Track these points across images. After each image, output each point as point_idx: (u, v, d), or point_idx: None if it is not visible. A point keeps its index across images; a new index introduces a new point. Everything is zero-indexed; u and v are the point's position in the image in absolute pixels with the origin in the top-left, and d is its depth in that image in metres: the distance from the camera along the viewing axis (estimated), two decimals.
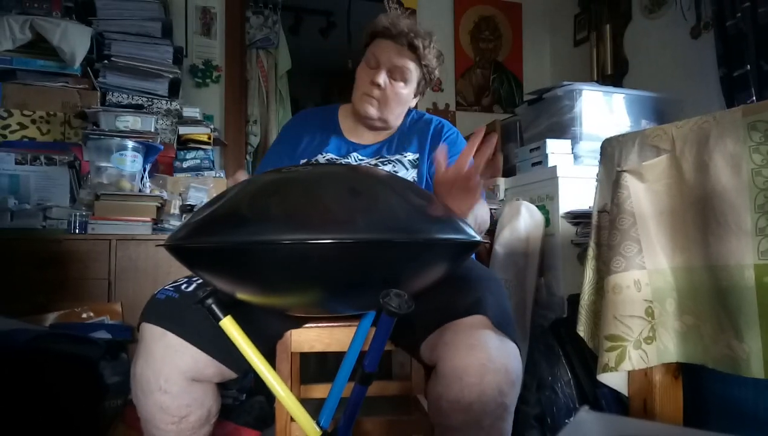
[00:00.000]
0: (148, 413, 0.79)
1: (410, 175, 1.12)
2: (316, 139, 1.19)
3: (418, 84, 1.17)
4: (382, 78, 1.11)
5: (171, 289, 0.84)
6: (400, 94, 1.14)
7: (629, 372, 1.00)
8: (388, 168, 1.13)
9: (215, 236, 0.62)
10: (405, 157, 1.14)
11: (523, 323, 1.64)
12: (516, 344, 0.79)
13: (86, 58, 1.95)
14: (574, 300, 1.22)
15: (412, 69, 1.13)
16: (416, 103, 1.23)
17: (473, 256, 1.03)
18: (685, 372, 0.98)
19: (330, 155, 1.16)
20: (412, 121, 1.22)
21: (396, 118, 1.18)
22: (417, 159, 1.15)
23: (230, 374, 0.83)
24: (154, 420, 0.79)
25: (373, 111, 1.13)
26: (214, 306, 0.68)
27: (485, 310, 0.78)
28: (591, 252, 1.01)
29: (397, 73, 1.12)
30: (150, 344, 0.78)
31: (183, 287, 0.84)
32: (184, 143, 2.15)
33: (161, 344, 0.78)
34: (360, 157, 1.16)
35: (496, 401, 0.72)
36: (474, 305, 0.79)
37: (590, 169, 1.53)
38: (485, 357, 0.73)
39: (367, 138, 1.19)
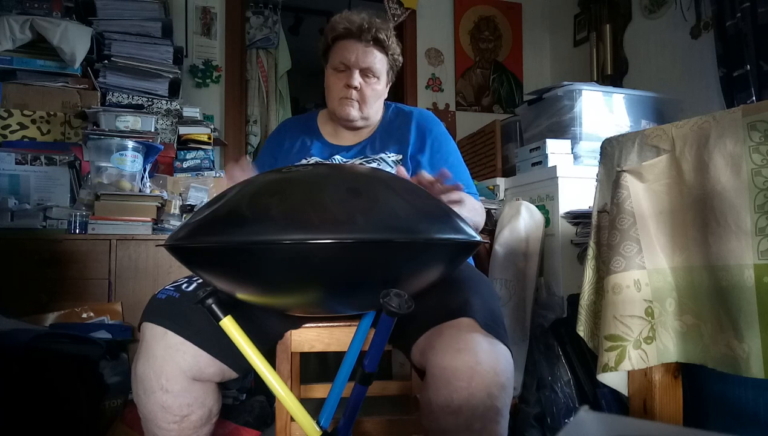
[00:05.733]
0: (149, 413, 0.79)
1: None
2: (297, 144, 1.21)
3: (387, 74, 1.18)
4: (357, 80, 1.13)
5: (172, 288, 0.84)
6: (376, 90, 1.16)
7: (629, 372, 1.00)
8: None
9: (215, 236, 0.62)
10: (389, 157, 1.16)
11: (523, 323, 1.64)
12: (507, 345, 0.78)
13: (86, 58, 1.95)
14: (574, 300, 1.22)
15: (381, 63, 1.15)
16: (386, 92, 1.22)
17: None
18: (684, 372, 0.98)
19: (315, 159, 1.17)
20: (392, 117, 1.23)
21: (376, 112, 1.20)
22: (400, 160, 1.15)
23: (231, 374, 0.83)
24: (155, 419, 0.79)
25: (354, 113, 1.15)
26: (214, 306, 0.69)
27: (473, 312, 0.77)
28: (591, 252, 1.01)
29: (368, 71, 1.13)
30: (151, 344, 0.79)
31: (184, 286, 0.84)
32: (184, 143, 2.15)
33: (162, 344, 0.78)
34: (343, 159, 1.17)
35: (486, 404, 0.71)
36: (461, 308, 0.78)
37: (590, 169, 1.53)
38: (473, 360, 0.72)
39: (348, 139, 1.20)
